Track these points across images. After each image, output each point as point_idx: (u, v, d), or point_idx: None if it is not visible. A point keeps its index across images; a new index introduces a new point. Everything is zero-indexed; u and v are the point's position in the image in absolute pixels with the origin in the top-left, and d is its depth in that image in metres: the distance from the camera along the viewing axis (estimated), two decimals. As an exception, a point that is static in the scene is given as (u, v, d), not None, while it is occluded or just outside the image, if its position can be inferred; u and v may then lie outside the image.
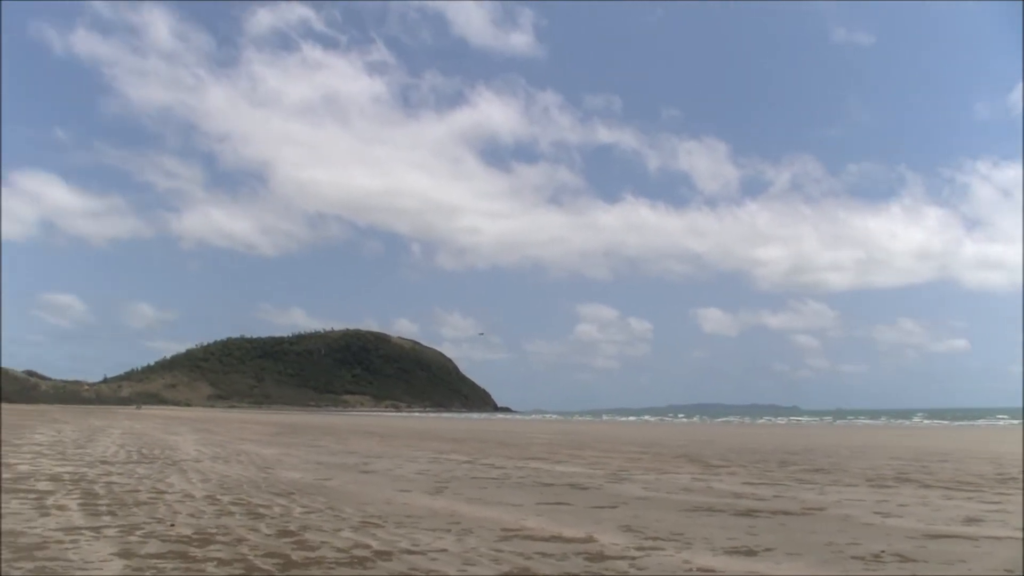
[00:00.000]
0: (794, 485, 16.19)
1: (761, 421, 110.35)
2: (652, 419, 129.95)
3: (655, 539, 9.53)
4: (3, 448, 23.78)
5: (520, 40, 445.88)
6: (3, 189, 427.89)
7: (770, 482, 16.83)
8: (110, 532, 9.46)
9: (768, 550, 8.93)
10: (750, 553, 8.77)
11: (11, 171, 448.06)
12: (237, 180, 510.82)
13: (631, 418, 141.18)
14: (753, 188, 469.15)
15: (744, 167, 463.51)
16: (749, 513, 11.90)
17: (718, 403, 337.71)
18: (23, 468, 17.39)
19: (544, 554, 8.56)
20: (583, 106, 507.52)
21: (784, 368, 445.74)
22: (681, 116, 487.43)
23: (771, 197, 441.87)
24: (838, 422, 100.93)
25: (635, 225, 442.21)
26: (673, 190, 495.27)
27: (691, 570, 7.94)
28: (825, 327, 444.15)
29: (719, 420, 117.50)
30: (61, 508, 11.36)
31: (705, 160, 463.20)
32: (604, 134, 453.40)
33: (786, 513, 11.96)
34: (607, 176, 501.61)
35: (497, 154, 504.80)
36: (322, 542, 9.04)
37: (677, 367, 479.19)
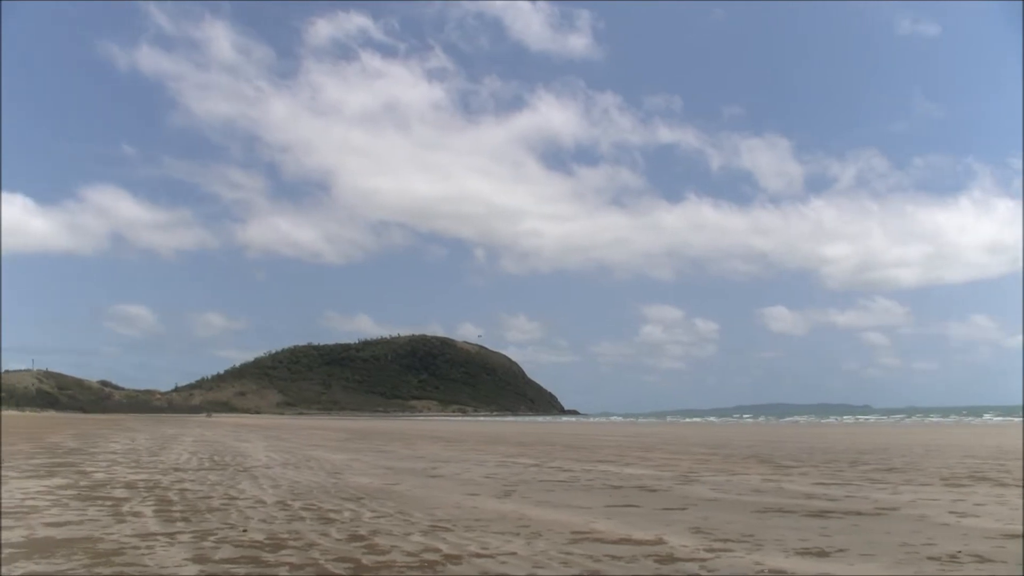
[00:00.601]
0: (866, 485, 15.91)
1: (828, 420, 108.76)
2: (716, 420, 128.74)
3: (725, 540, 9.44)
4: (80, 456, 24.39)
5: (578, 43, 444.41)
6: (74, 204, 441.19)
7: (842, 482, 16.56)
8: (184, 538, 9.63)
9: (841, 551, 8.80)
10: (822, 554, 8.65)
11: (81, 186, 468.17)
12: (300, 190, 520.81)
13: (697, 419, 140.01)
14: (818, 185, 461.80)
15: (808, 163, 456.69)
16: (821, 514, 11.73)
17: (786, 403, 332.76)
18: (99, 476, 17.78)
19: (614, 556, 8.53)
20: (643, 106, 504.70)
21: (854, 367, 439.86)
22: (742, 114, 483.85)
23: (836, 193, 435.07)
24: (907, 420, 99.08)
25: (698, 225, 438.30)
26: (736, 188, 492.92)
27: (763, 571, 7.85)
28: (895, 324, 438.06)
29: (785, 420, 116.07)
30: (137, 515, 11.58)
31: (768, 157, 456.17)
32: (665, 134, 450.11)
33: (859, 513, 11.76)
34: (669, 176, 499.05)
35: (558, 157, 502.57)
36: (392, 546, 9.11)
37: (744, 367, 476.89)
